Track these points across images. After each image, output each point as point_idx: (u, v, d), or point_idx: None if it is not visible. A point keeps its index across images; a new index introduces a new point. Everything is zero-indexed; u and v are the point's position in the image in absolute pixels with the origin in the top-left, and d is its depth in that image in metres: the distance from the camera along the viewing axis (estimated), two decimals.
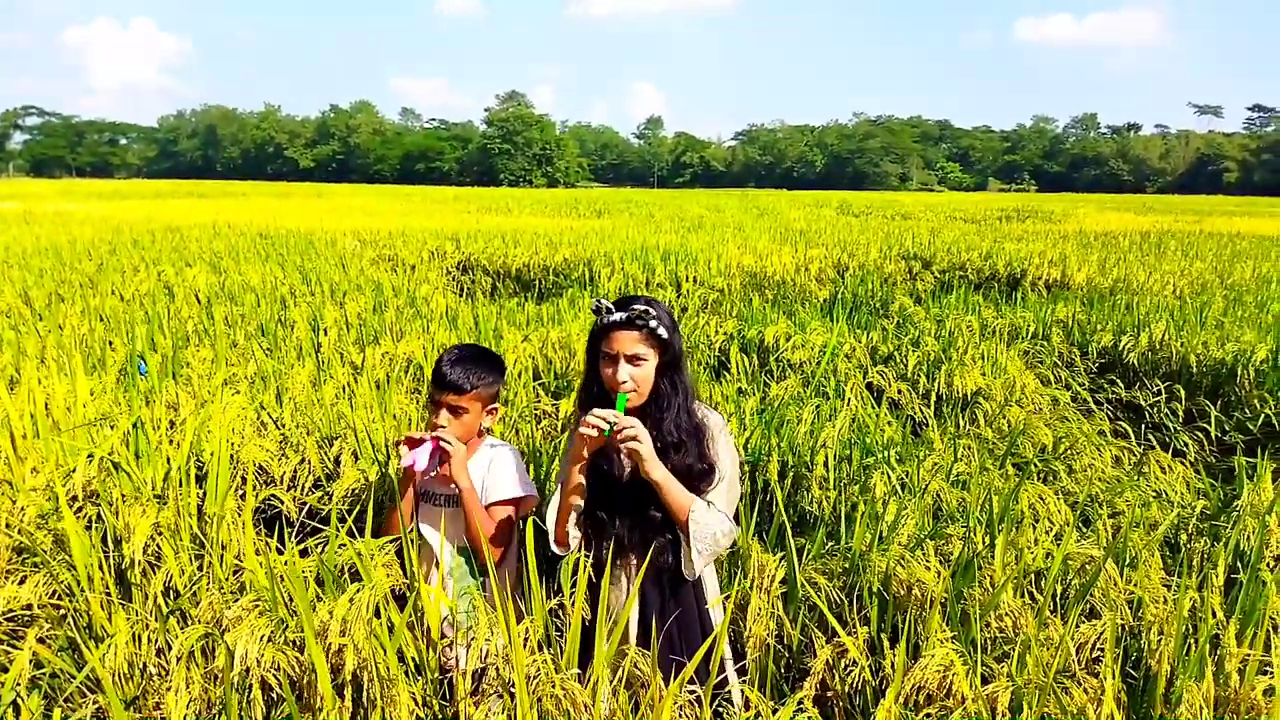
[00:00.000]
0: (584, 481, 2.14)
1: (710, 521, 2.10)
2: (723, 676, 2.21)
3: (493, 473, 2.40)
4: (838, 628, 2.19)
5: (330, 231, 13.73)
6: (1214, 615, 2.17)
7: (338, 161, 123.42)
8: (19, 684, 1.91)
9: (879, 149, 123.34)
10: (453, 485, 2.31)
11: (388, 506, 2.60)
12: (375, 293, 7.27)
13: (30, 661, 1.97)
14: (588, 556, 2.13)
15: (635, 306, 2.12)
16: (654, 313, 2.11)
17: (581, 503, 2.17)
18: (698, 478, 2.14)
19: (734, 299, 8.50)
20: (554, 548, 2.18)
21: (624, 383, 2.09)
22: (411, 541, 2.19)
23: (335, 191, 49.12)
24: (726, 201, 37.20)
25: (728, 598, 2.28)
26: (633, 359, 2.11)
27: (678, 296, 8.53)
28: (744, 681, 2.27)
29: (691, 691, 1.84)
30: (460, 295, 8.88)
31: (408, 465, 2.24)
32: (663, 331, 2.11)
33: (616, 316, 2.11)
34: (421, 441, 2.27)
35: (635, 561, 2.17)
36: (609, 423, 2.00)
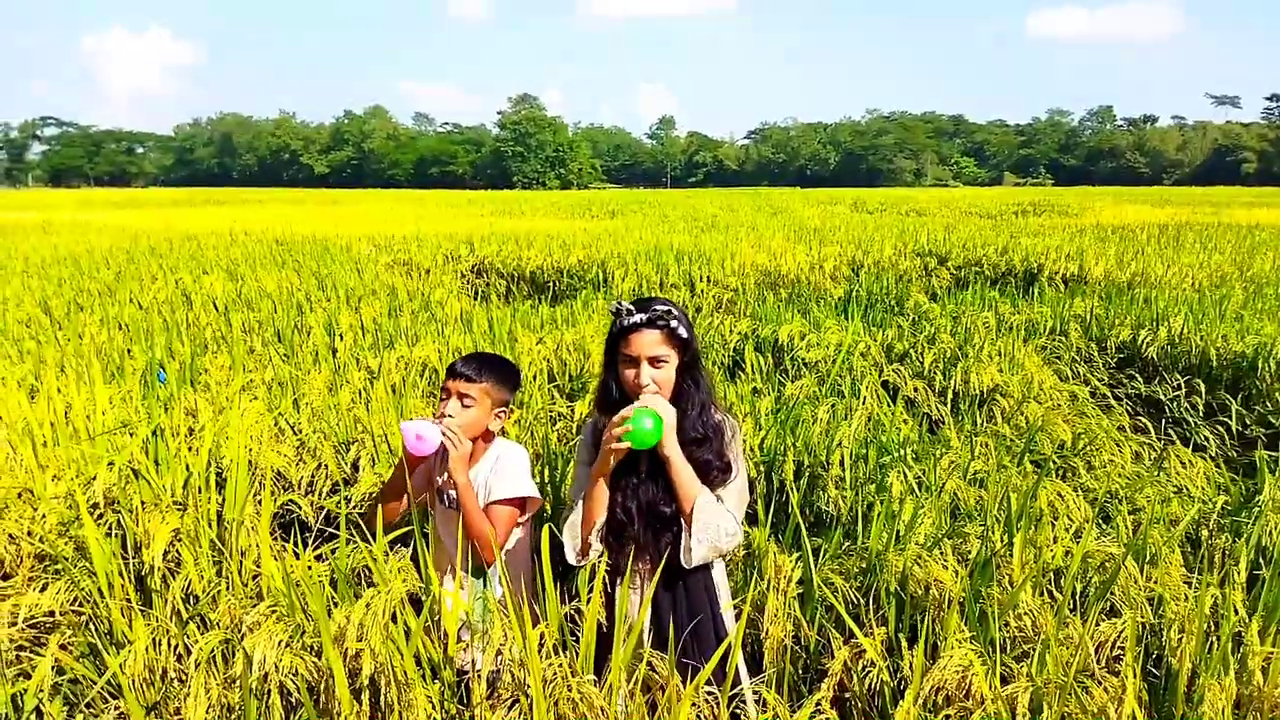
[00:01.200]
0: (607, 495, 2.14)
1: (715, 513, 2.09)
2: (738, 689, 2.20)
3: (498, 471, 2.41)
4: (854, 629, 2.18)
5: (345, 237, 13.80)
6: (1236, 612, 2.15)
7: (352, 167, 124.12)
8: (42, 690, 1.93)
9: (893, 145, 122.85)
10: (450, 482, 2.30)
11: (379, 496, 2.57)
12: (390, 297, 7.31)
13: (52, 668, 1.99)
14: (607, 561, 2.13)
15: (656, 307, 2.12)
16: (675, 313, 2.11)
17: (605, 516, 2.16)
18: (714, 475, 2.14)
19: (748, 298, 8.48)
20: (573, 560, 2.17)
21: (646, 386, 2.09)
22: (426, 544, 2.19)
23: (350, 197, 49.35)
24: (740, 200, 37.14)
25: (742, 602, 2.27)
26: (654, 360, 2.10)
27: (692, 296, 8.52)
28: (760, 681, 2.26)
29: (709, 694, 1.84)
30: (475, 299, 8.91)
31: (414, 441, 2.21)
32: (683, 331, 2.12)
33: (637, 318, 2.10)
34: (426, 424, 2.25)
35: (649, 563, 2.16)
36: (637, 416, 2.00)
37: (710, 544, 2.09)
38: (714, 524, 2.08)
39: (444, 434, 2.25)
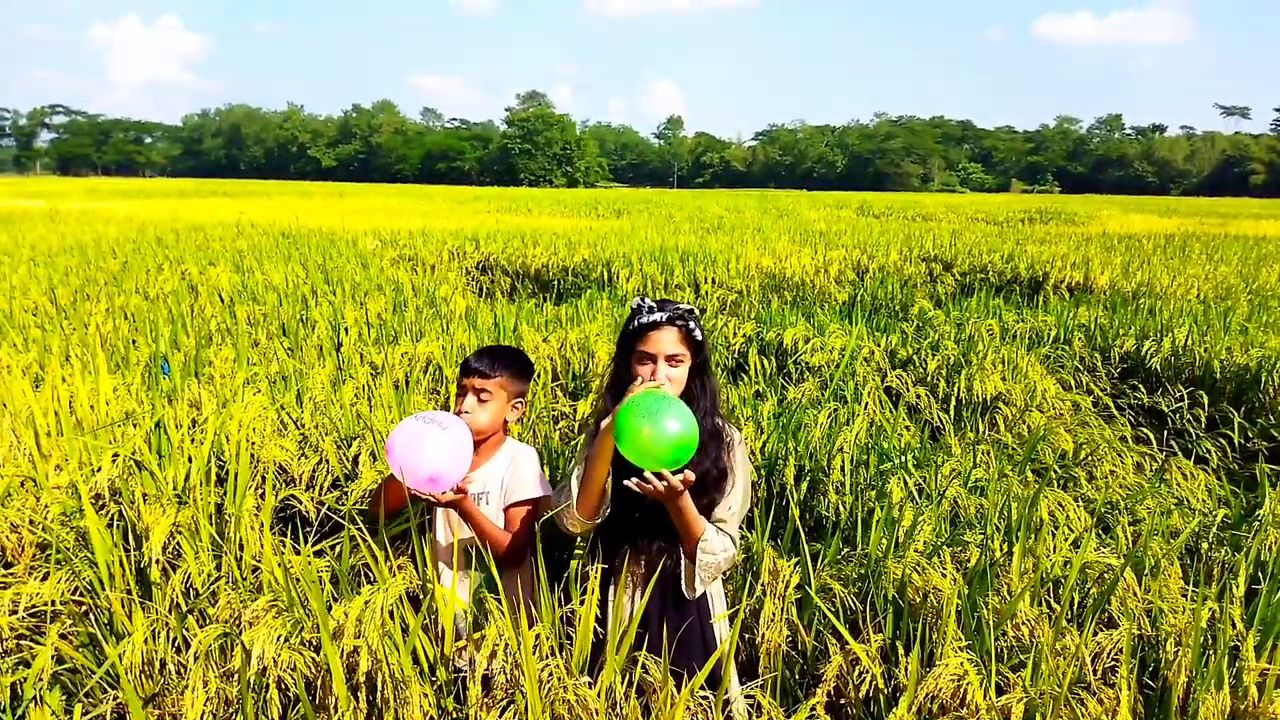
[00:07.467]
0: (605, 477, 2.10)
1: (717, 549, 2.11)
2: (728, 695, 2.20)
3: (515, 473, 2.42)
4: (848, 636, 2.18)
5: (352, 231, 13.82)
6: (1233, 626, 2.15)
7: (360, 161, 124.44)
8: (41, 679, 1.94)
9: (900, 149, 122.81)
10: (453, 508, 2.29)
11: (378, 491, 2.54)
12: (395, 293, 7.31)
13: (52, 657, 2.00)
14: (602, 564, 2.14)
15: (677, 307, 2.13)
16: (693, 315, 2.14)
17: (607, 484, 2.11)
18: (711, 484, 2.14)
19: (753, 300, 8.48)
20: (571, 524, 2.12)
21: (662, 384, 2.09)
22: (424, 540, 2.20)
23: (357, 191, 49.45)
24: (746, 202, 37.11)
25: (736, 610, 2.27)
26: (670, 359, 2.11)
27: (696, 298, 8.52)
28: (757, 687, 2.26)
29: (702, 697, 1.84)
30: (479, 295, 8.91)
31: (426, 483, 2.18)
32: (699, 334, 2.14)
33: (658, 315, 2.12)
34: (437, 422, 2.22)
35: (644, 568, 2.17)
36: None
37: (713, 575, 2.13)
38: (716, 560, 2.11)
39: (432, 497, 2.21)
